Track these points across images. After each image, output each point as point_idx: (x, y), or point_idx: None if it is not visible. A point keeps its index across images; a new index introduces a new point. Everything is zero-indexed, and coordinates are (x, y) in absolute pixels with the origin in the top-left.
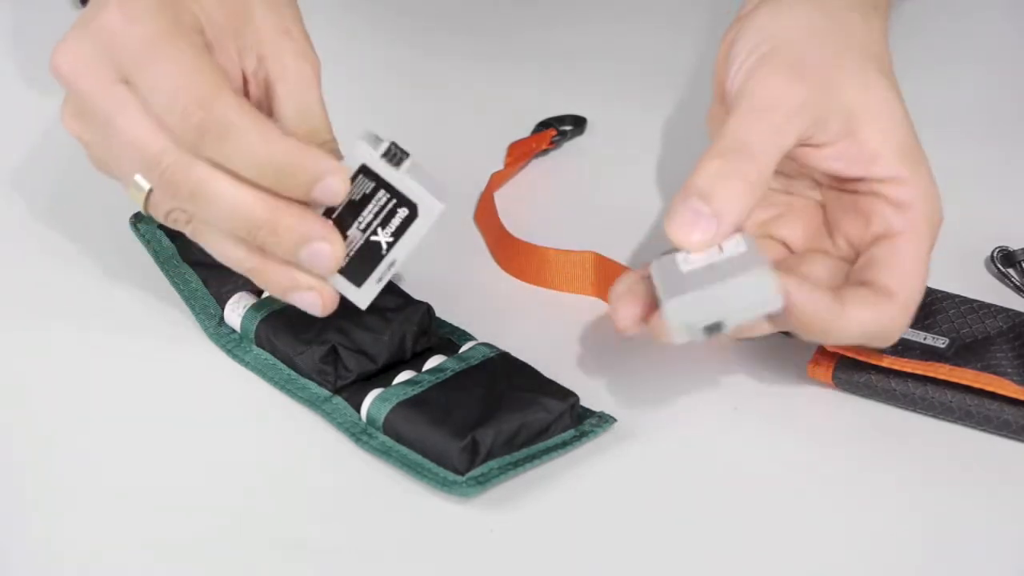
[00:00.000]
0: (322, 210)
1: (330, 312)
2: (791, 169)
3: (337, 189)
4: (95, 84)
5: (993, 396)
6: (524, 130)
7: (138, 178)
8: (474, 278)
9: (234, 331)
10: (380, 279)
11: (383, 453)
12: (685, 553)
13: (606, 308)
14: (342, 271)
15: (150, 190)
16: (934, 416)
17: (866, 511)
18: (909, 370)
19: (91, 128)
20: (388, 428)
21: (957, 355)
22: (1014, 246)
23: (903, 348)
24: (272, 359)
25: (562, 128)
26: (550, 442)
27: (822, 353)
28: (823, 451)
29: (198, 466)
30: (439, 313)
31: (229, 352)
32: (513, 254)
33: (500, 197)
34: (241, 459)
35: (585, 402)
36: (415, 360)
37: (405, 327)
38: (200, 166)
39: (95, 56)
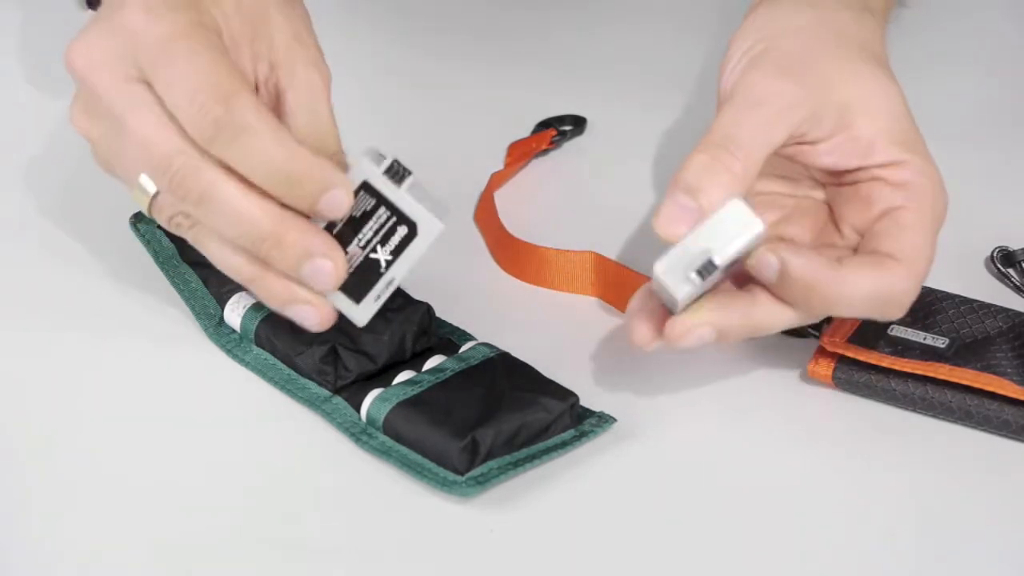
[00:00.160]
0: (323, 225)
1: (327, 328)
2: (793, 172)
3: (342, 202)
4: (110, 81)
5: (993, 396)
6: (524, 130)
7: (143, 180)
8: (474, 278)
9: (234, 331)
10: (379, 297)
11: (383, 453)
12: (685, 553)
13: (622, 321)
14: (341, 287)
15: (156, 193)
16: (934, 416)
17: (866, 511)
18: (909, 370)
19: (101, 126)
20: (388, 428)
21: (957, 355)
22: (1014, 246)
23: (903, 348)
24: (272, 359)
25: (562, 128)
26: (550, 442)
27: (822, 353)
28: (823, 451)
29: (198, 466)
30: (439, 313)
31: (229, 352)
32: (513, 254)
33: (500, 197)
34: (241, 459)
35: (585, 402)
36: (415, 360)
37: (405, 327)
38: (211, 171)
39: (113, 53)
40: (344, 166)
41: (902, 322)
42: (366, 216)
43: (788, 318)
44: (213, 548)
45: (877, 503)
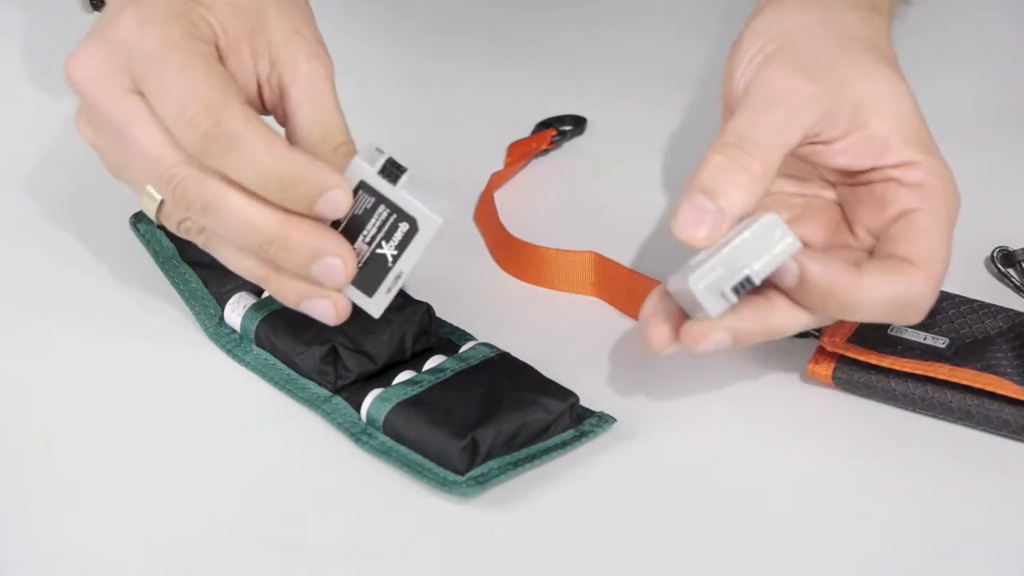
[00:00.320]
0: (328, 224)
1: (343, 320)
2: (803, 171)
3: (339, 202)
4: (108, 94)
5: (993, 396)
6: (524, 130)
7: (150, 188)
8: (474, 278)
9: (234, 331)
10: (389, 290)
11: (383, 453)
12: (685, 553)
13: (622, 320)
14: (353, 282)
15: (162, 200)
16: (934, 416)
17: (866, 511)
18: (909, 370)
19: (104, 137)
20: (388, 428)
21: (957, 355)
22: (1014, 246)
23: (903, 348)
24: (272, 359)
25: (562, 128)
26: (550, 442)
27: (822, 353)
28: (823, 451)
29: (198, 466)
30: (439, 313)
31: (229, 352)
32: (513, 254)
33: (500, 197)
34: (241, 459)
35: (585, 402)
36: (415, 360)
37: (405, 327)
38: (212, 181)
39: (109, 66)
40: (352, 156)
41: None
42: (368, 213)
43: (805, 322)
44: (213, 548)
45: (877, 503)
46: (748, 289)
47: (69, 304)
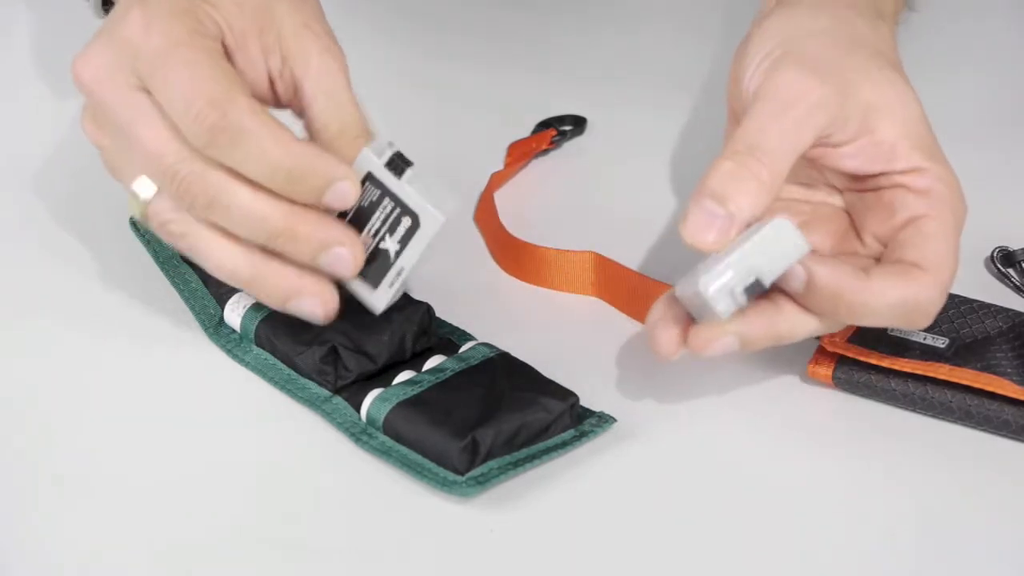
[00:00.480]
0: (335, 215)
1: (331, 319)
2: (810, 178)
3: (347, 194)
4: (115, 93)
5: (993, 396)
6: (524, 130)
7: (136, 185)
8: (474, 278)
9: (234, 331)
10: (392, 284)
11: (383, 453)
12: (685, 553)
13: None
14: (359, 274)
15: (148, 200)
16: (934, 416)
17: (866, 511)
18: (909, 370)
19: (109, 135)
20: (388, 428)
21: (957, 355)
22: (1014, 246)
23: (903, 348)
24: (272, 359)
25: (562, 128)
26: (550, 442)
27: (822, 353)
28: (823, 451)
29: (198, 466)
30: (439, 313)
31: (229, 352)
32: (513, 254)
33: (500, 197)
34: (241, 459)
35: (585, 402)
36: (415, 360)
37: (405, 327)
38: (217, 175)
39: (116, 65)
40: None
41: None
42: (373, 206)
43: (813, 327)
44: (213, 548)
45: (877, 503)
46: (758, 292)
47: (69, 304)
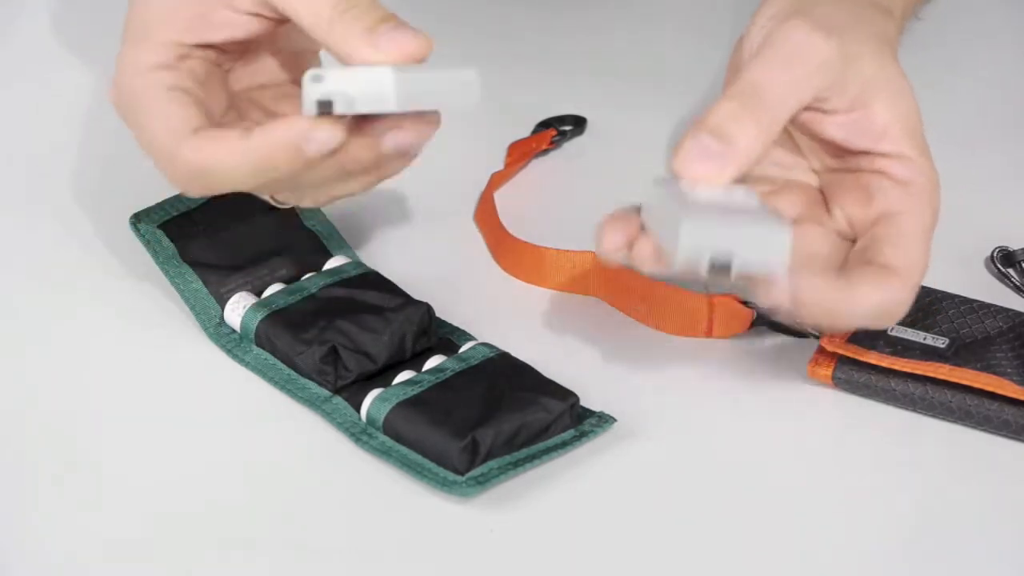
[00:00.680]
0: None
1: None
2: (788, 159)
3: (323, 137)
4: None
5: (993, 396)
6: (524, 130)
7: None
8: (474, 278)
9: (234, 331)
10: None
11: (383, 453)
12: (685, 553)
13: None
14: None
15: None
16: (934, 416)
17: (866, 511)
18: (909, 370)
19: None
20: (388, 428)
21: (957, 355)
22: (1014, 246)
23: (903, 348)
24: (272, 359)
25: (562, 128)
26: (550, 442)
27: (822, 353)
28: (823, 451)
29: (198, 466)
30: (439, 313)
31: (229, 352)
32: (513, 254)
33: (500, 197)
34: (241, 459)
35: (585, 402)
36: (415, 360)
37: (405, 327)
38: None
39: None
40: (391, 18)
41: (902, 322)
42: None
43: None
44: (213, 548)
45: (877, 503)
46: (719, 269)
47: (69, 304)
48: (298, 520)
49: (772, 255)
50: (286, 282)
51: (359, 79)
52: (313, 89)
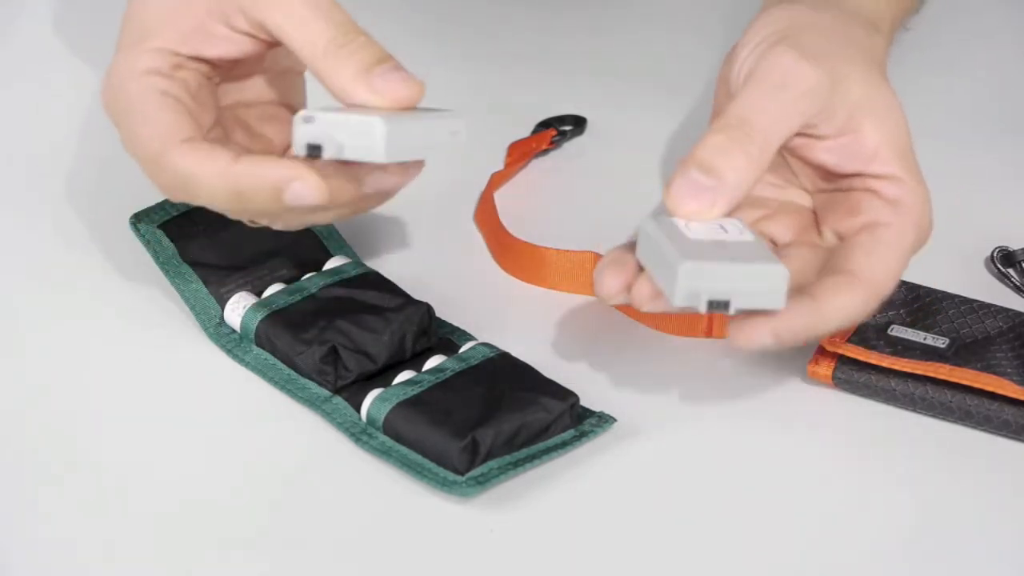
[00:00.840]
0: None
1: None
2: (781, 180)
3: (304, 193)
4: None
5: (993, 396)
6: (524, 130)
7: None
8: (474, 278)
9: (234, 331)
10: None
11: (383, 453)
12: (685, 553)
13: (622, 321)
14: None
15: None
16: (934, 416)
17: (866, 511)
18: (909, 370)
19: None
20: (388, 428)
21: (957, 355)
22: (1014, 246)
23: (903, 348)
24: (272, 359)
25: (562, 128)
26: (550, 442)
27: (822, 353)
28: (823, 451)
29: (198, 466)
30: (439, 313)
31: (229, 352)
32: (513, 254)
33: (500, 197)
34: (241, 459)
35: (585, 402)
36: (415, 360)
37: (405, 327)
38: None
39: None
40: (374, 45)
41: (902, 322)
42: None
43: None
44: (213, 548)
45: (877, 503)
46: (718, 310)
47: (69, 304)
48: (298, 520)
49: (769, 293)
50: (286, 282)
51: (350, 126)
52: (303, 131)
